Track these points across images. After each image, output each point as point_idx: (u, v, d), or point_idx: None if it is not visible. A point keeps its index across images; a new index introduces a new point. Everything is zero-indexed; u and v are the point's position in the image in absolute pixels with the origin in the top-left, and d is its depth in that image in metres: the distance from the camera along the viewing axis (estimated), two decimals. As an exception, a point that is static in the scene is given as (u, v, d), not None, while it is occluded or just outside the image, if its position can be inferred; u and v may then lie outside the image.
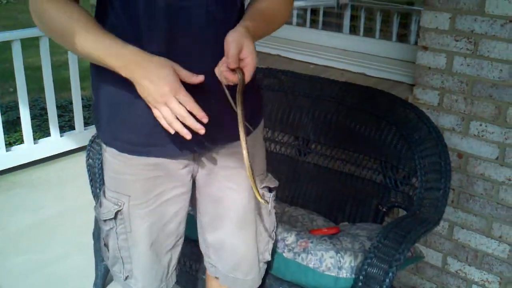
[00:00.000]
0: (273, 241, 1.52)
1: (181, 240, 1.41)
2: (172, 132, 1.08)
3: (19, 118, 3.25)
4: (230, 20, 1.17)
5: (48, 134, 3.42)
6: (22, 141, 3.30)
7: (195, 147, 1.27)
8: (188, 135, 1.07)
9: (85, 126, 3.53)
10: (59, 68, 4.98)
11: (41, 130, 3.85)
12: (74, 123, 3.52)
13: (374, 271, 1.37)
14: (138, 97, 1.11)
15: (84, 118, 3.55)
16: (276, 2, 1.26)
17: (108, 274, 2.09)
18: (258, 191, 1.16)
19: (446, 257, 2.07)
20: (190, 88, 1.08)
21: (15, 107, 3.82)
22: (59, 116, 3.51)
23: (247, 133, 1.14)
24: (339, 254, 1.52)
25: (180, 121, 1.08)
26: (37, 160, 3.30)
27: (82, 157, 2.05)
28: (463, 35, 1.84)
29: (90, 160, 1.90)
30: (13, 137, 3.68)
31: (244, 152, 1.12)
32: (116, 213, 1.30)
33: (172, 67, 1.07)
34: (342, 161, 1.94)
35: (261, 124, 1.40)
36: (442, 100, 1.94)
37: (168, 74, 1.06)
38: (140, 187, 1.28)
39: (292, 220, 1.83)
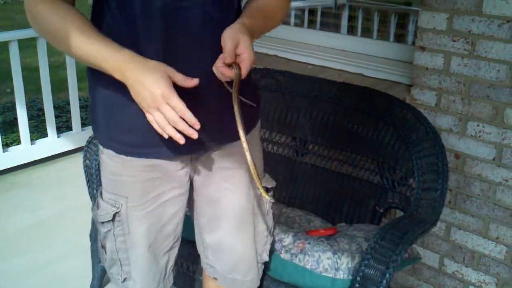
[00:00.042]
0: (271, 242, 1.51)
1: (179, 242, 1.40)
2: (166, 136, 1.08)
3: (16, 118, 3.25)
4: (227, 20, 1.17)
5: (45, 135, 3.41)
6: (19, 142, 3.29)
7: (193, 148, 1.26)
8: (181, 140, 1.06)
9: (82, 127, 3.52)
10: (57, 69, 4.97)
11: (38, 131, 3.84)
12: (71, 124, 3.51)
13: (371, 272, 1.37)
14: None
15: (82, 119, 3.54)
16: (273, 0, 1.26)
17: (105, 275, 2.09)
18: (262, 185, 1.15)
19: (443, 258, 2.07)
20: (188, 89, 1.08)
21: (12, 108, 3.82)
22: (56, 116, 3.50)
23: (247, 131, 1.13)
24: (336, 255, 1.52)
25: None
26: (34, 161, 3.29)
27: (79, 158, 2.05)
28: (461, 35, 1.84)
29: (87, 161, 1.89)
30: (10, 138, 3.67)
31: (244, 145, 1.11)
32: (114, 215, 1.30)
33: (165, 71, 1.06)
34: (340, 162, 1.94)
35: (258, 124, 1.40)
36: (440, 100, 1.94)
37: (159, 78, 1.04)
38: (138, 189, 1.28)
39: (289, 221, 1.83)
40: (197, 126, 1.05)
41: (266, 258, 1.50)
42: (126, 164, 1.26)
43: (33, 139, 3.35)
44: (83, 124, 3.56)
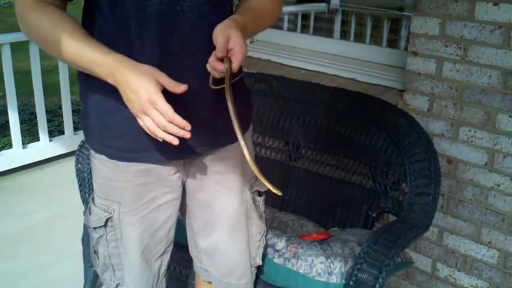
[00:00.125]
0: (263, 246, 1.51)
1: (171, 246, 1.40)
2: (160, 140, 1.07)
3: (8, 122, 3.24)
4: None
5: (37, 139, 3.40)
6: (10, 146, 3.28)
7: (185, 153, 1.26)
8: (174, 141, 1.05)
9: (74, 131, 3.52)
10: (49, 73, 4.96)
11: (30, 134, 3.82)
12: (63, 128, 3.50)
13: (364, 276, 1.37)
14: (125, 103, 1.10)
15: (74, 122, 3.53)
16: (264, 0, 1.26)
17: (98, 279, 2.08)
18: (263, 177, 1.13)
19: (435, 263, 2.07)
20: (181, 93, 1.08)
21: (4, 112, 3.81)
22: (48, 120, 3.49)
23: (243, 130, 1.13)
24: (329, 260, 1.52)
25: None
26: (26, 164, 3.27)
27: (71, 162, 2.04)
28: (453, 40, 1.85)
29: (79, 165, 1.89)
30: (2, 142, 3.66)
31: (241, 140, 1.11)
32: (106, 221, 1.29)
33: (153, 75, 1.05)
34: (332, 167, 1.94)
35: (250, 128, 1.40)
36: (432, 105, 1.95)
37: (147, 82, 1.03)
38: (130, 194, 1.27)
39: (282, 226, 1.83)
40: (188, 127, 1.04)
41: (259, 262, 1.50)
42: (118, 169, 1.25)
43: (25, 143, 3.34)
44: (75, 128, 3.56)
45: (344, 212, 1.89)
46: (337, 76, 2.30)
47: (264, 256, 1.55)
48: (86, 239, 1.99)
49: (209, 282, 1.48)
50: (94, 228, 1.32)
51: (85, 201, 1.85)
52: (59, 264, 2.41)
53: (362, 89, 2.08)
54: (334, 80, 2.26)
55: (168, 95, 1.04)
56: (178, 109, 1.04)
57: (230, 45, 1.08)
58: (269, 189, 1.14)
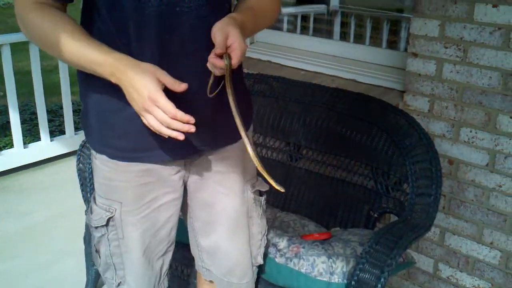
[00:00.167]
0: (264, 245, 1.52)
1: (173, 246, 1.40)
2: (166, 136, 1.07)
3: (8, 122, 3.24)
4: None
5: (38, 139, 3.40)
6: (12, 146, 3.28)
7: (186, 152, 1.26)
8: (180, 136, 1.05)
9: (75, 130, 3.52)
10: (50, 73, 4.96)
11: (31, 134, 3.83)
12: (64, 128, 3.51)
13: (366, 276, 1.37)
14: (127, 103, 1.10)
15: (75, 122, 3.53)
16: (262, 0, 1.27)
17: (99, 278, 2.08)
18: (268, 174, 1.13)
19: (437, 263, 2.08)
20: (182, 92, 1.08)
21: (5, 112, 3.81)
22: (49, 120, 3.49)
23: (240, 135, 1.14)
24: (331, 260, 1.53)
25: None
26: (26, 164, 3.27)
27: (72, 162, 2.04)
28: (453, 42, 1.86)
29: (81, 165, 1.89)
30: (3, 142, 3.66)
31: (244, 137, 1.12)
32: (108, 220, 1.30)
33: (154, 73, 1.05)
34: (334, 167, 1.95)
35: (250, 129, 1.41)
36: (433, 106, 1.96)
37: (148, 80, 1.04)
38: (131, 194, 1.28)
39: (284, 226, 1.83)
40: (192, 121, 1.04)
41: (260, 261, 1.50)
42: (119, 169, 1.25)
43: (26, 143, 3.34)
44: (76, 128, 3.56)
45: (345, 212, 1.90)
46: (337, 77, 2.31)
47: (266, 255, 1.55)
48: (88, 238, 1.99)
49: (211, 281, 1.48)
50: (96, 227, 1.32)
51: (87, 201, 1.86)
52: (59, 264, 2.41)
53: (363, 90, 2.08)
54: (334, 81, 2.27)
55: (168, 95, 1.05)
56: (178, 109, 1.04)
57: (229, 42, 1.09)
58: (272, 186, 1.14)
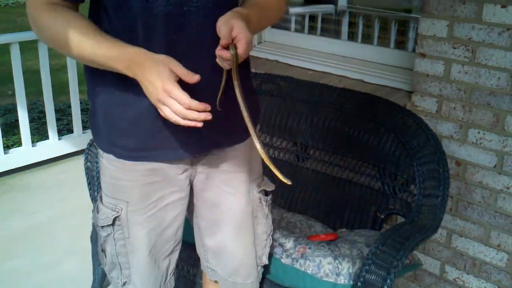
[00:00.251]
0: (270, 245, 1.52)
1: (179, 245, 1.40)
2: (185, 126, 1.06)
3: (17, 121, 3.25)
4: None
5: (47, 137, 3.41)
6: (20, 144, 3.29)
7: (193, 151, 1.27)
8: (198, 124, 1.05)
9: (83, 129, 3.52)
10: (58, 72, 4.98)
11: (39, 133, 3.85)
12: (72, 127, 3.51)
13: (372, 277, 1.37)
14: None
15: (83, 121, 3.54)
16: None
17: (106, 278, 2.09)
18: (275, 167, 1.13)
19: (444, 265, 2.07)
20: (189, 92, 1.08)
21: (14, 110, 3.82)
22: (57, 119, 3.50)
23: (246, 135, 1.14)
24: (337, 261, 1.52)
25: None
26: (35, 163, 3.28)
27: (80, 161, 2.04)
28: (461, 42, 1.85)
29: (88, 164, 1.89)
30: (11, 140, 3.68)
31: (250, 129, 1.12)
32: (114, 219, 1.30)
33: (168, 65, 1.05)
34: (341, 168, 1.94)
35: (257, 128, 1.40)
36: (441, 107, 1.95)
37: (161, 72, 1.04)
38: (138, 193, 1.28)
39: (290, 226, 1.83)
40: (208, 108, 1.04)
41: (265, 261, 1.50)
42: (126, 169, 1.26)
43: (34, 142, 3.35)
44: (84, 127, 3.56)
45: (352, 213, 1.89)
46: (345, 77, 2.30)
47: (271, 256, 1.55)
48: (94, 237, 2.00)
49: (216, 282, 1.49)
50: (102, 227, 1.33)
51: (94, 200, 1.86)
52: (63, 264, 2.41)
53: (370, 90, 2.08)
54: (342, 81, 2.26)
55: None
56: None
57: (234, 33, 1.09)
58: (279, 179, 1.14)
